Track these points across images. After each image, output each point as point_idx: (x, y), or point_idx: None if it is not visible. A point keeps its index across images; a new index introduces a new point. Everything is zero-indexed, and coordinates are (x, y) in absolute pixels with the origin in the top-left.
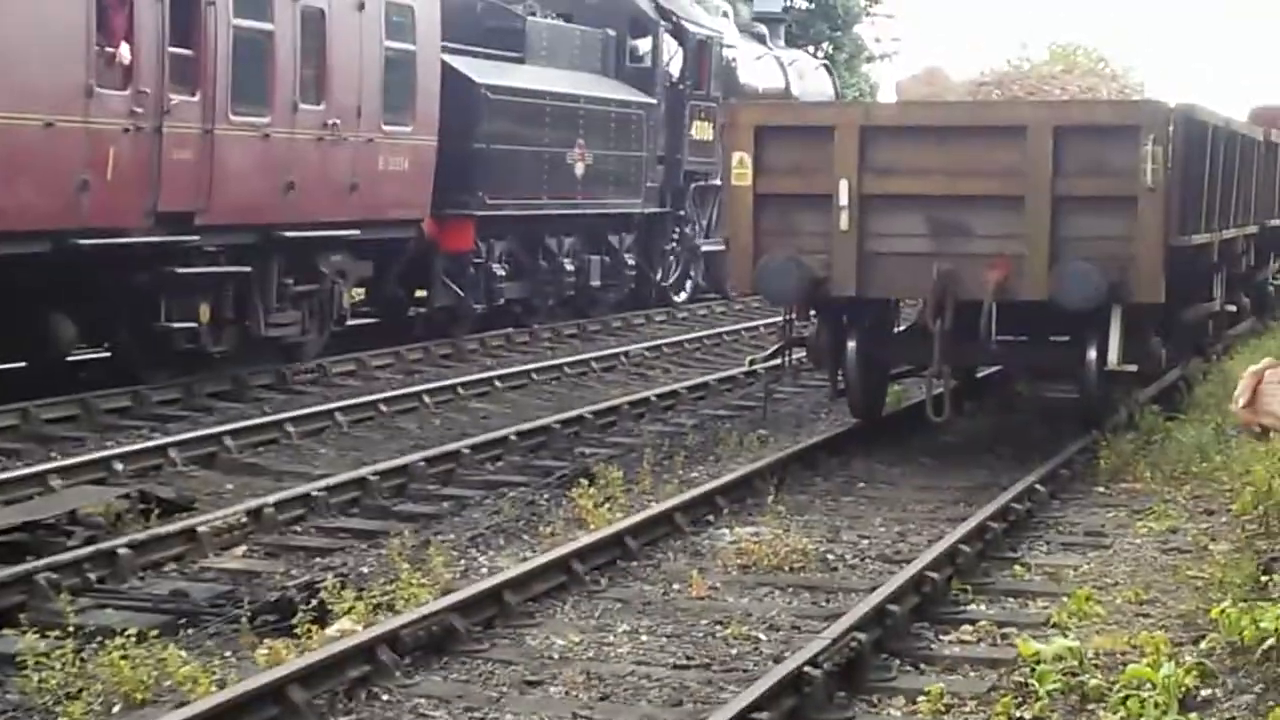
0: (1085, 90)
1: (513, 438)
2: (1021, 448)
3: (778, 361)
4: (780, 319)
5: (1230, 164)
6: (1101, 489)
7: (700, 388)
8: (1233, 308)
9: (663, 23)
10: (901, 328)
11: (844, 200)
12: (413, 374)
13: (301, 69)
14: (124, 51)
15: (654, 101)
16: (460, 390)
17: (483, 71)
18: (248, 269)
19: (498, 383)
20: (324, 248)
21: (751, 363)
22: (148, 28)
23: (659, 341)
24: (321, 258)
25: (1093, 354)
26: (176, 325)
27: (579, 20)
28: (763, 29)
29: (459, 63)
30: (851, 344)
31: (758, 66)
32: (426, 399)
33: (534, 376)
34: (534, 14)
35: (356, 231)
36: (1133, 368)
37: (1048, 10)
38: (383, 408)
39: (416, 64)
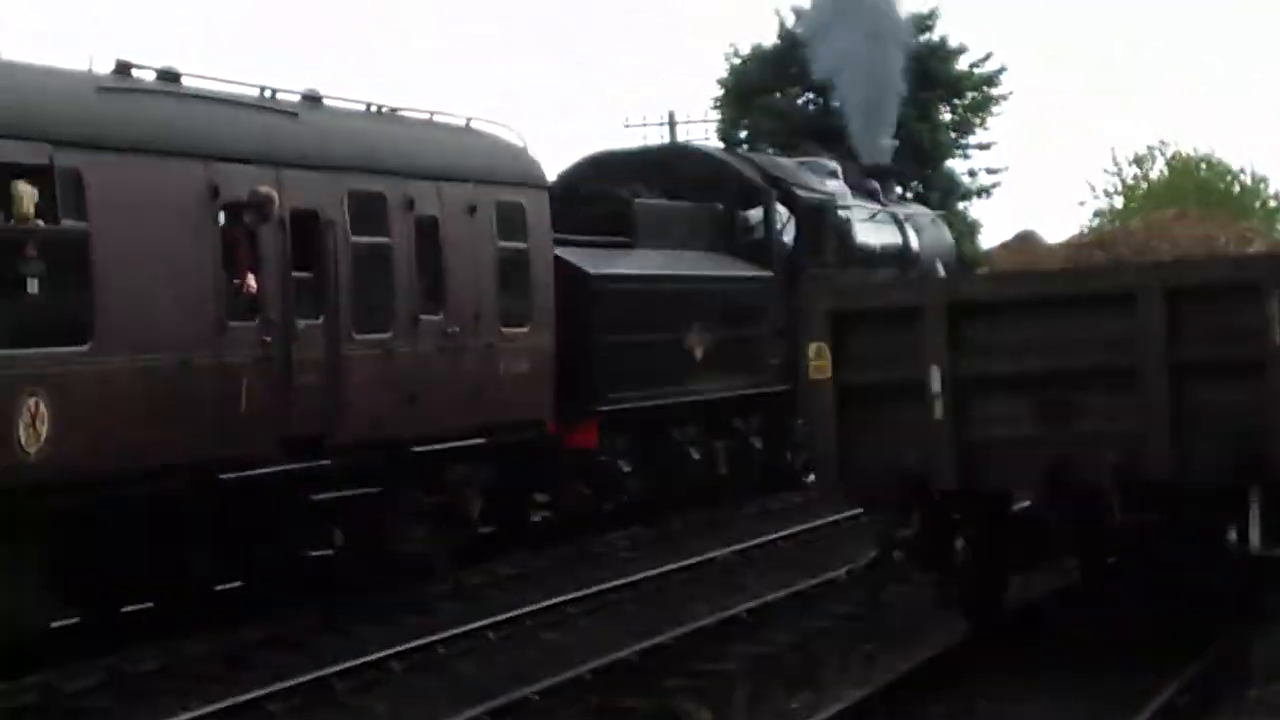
0: (1200, 239)
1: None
2: (1160, 645)
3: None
4: (877, 520)
5: None
6: (1256, 692)
7: (799, 593)
8: None
9: (772, 191)
10: (1016, 514)
11: (937, 387)
12: (541, 583)
13: (419, 280)
14: (251, 282)
15: (770, 274)
16: (569, 609)
17: (594, 261)
18: (377, 489)
19: (611, 594)
20: (450, 458)
21: (850, 573)
22: (272, 255)
23: (794, 529)
24: (448, 469)
25: (1233, 536)
26: (312, 554)
27: (685, 196)
28: (874, 184)
29: (569, 254)
30: (959, 543)
31: (873, 226)
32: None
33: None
34: (639, 195)
35: (480, 439)
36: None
37: (1163, 109)
38: (527, 622)
39: (530, 262)
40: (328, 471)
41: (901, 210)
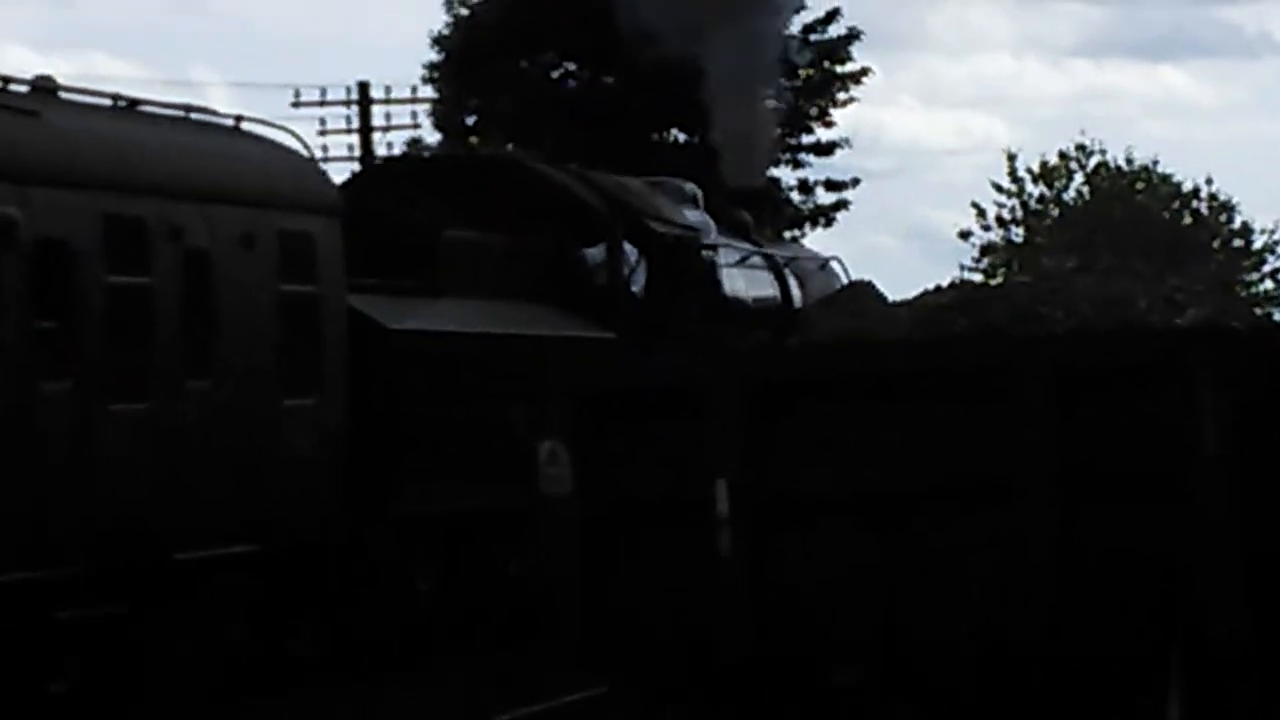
0: (1110, 303)
1: None
2: None
3: None
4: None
5: None
6: None
7: None
8: None
9: (618, 223)
10: (835, 693)
11: (724, 509)
12: None
13: (184, 332)
14: None
15: (612, 336)
16: None
17: (391, 311)
18: (126, 607)
19: None
20: (213, 568)
21: None
22: (12, 297)
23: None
24: (209, 582)
25: (1145, 714)
26: (50, 689)
27: (506, 226)
28: (746, 216)
29: (357, 300)
30: None
31: (744, 272)
32: None
33: None
34: (446, 225)
35: (252, 545)
36: None
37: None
38: None
39: (319, 310)
40: (71, 583)
41: (781, 252)
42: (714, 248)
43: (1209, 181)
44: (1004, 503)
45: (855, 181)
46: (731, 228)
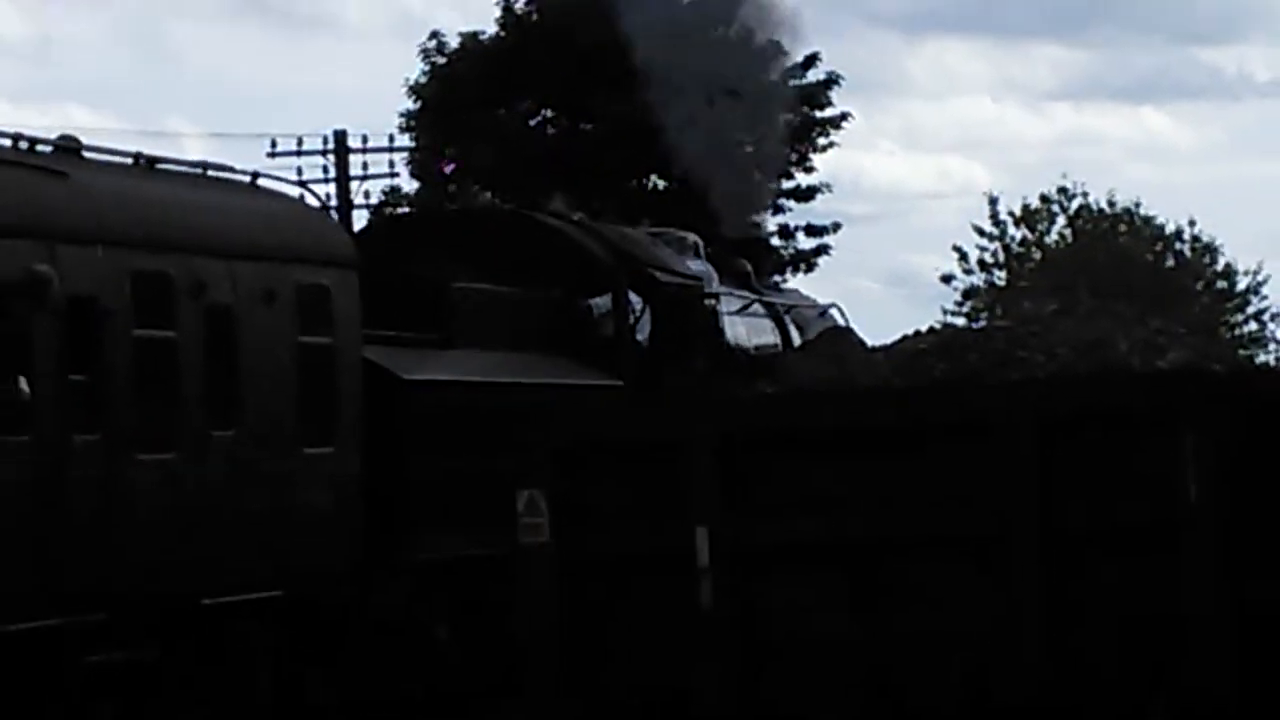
0: (1091, 346)
1: None
2: None
3: None
4: None
5: None
6: None
7: None
8: None
9: (623, 272)
10: None
11: (705, 559)
12: None
13: (208, 385)
14: (23, 386)
15: (620, 383)
16: None
17: (404, 362)
18: (155, 654)
19: None
20: (237, 617)
21: None
22: (46, 352)
23: None
24: (232, 631)
25: None
26: None
27: (515, 278)
28: (745, 265)
29: (371, 352)
30: None
31: (746, 321)
32: None
33: None
34: (455, 277)
35: (274, 593)
36: None
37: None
38: None
39: (336, 362)
40: (101, 629)
41: (780, 300)
42: (716, 296)
43: (1191, 223)
44: (987, 553)
45: (836, 226)
46: (732, 276)
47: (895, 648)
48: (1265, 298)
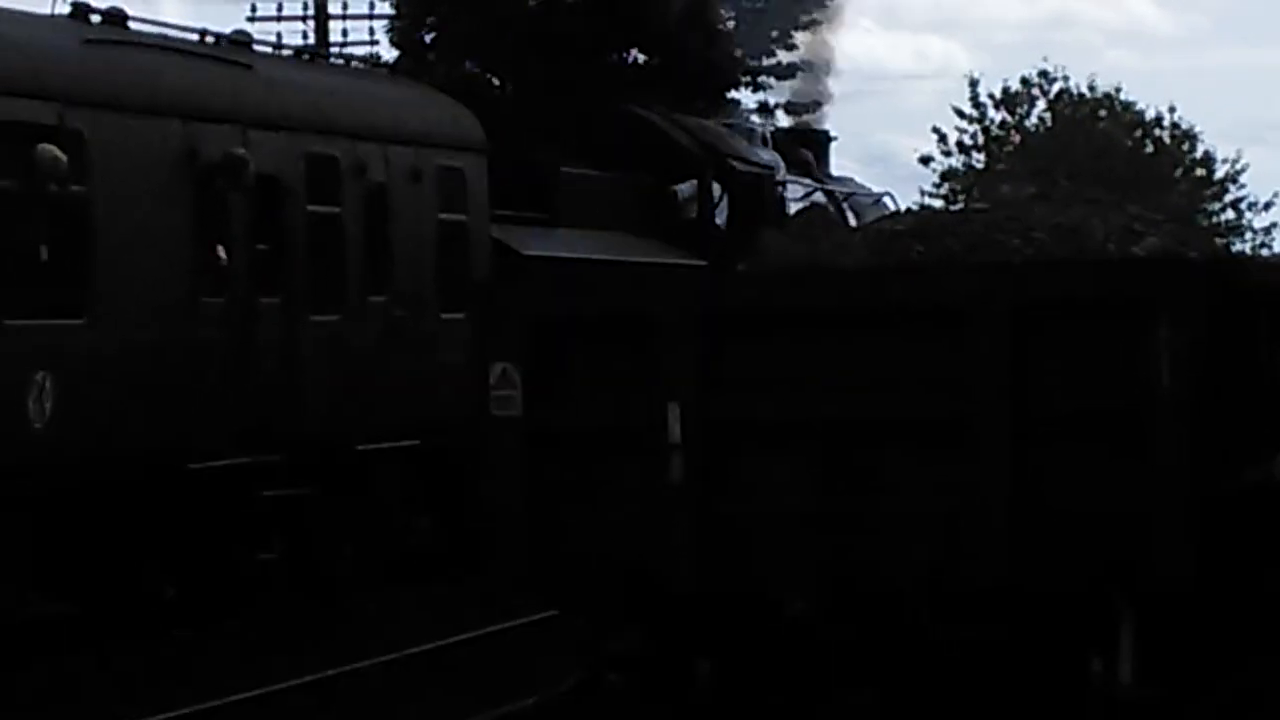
0: (1068, 232)
1: None
2: None
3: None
4: (582, 629)
5: None
6: None
7: None
8: None
9: (708, 163)
10: (785, 625)
11: (676, 435)
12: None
13: (367, 256)
14: (221, 254)
15: (704, 264)
16: None
17: (521, 239)
18: (317, 491)
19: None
20: (385, 460)
21: (538, 703)
22: (239, 225)
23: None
24: (381, 473)
25: (1097, 666)
26: (261, 557)
27: (610, 164)
28: (808, 155)
29: (496, 230)
30: (702, 664)
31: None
32: None
33: None
34: (560, 161)
35: (415, 441)
36: (1158, 689)
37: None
38: None
39: (469, 237)
40: (276, 467)
41: (840, 188)
42: (783, 184)
43: (1171, 110)
44: (958, 437)
45: (816, 105)
46: (796, 165)
47: (862, 528)
48: (1243, 186)
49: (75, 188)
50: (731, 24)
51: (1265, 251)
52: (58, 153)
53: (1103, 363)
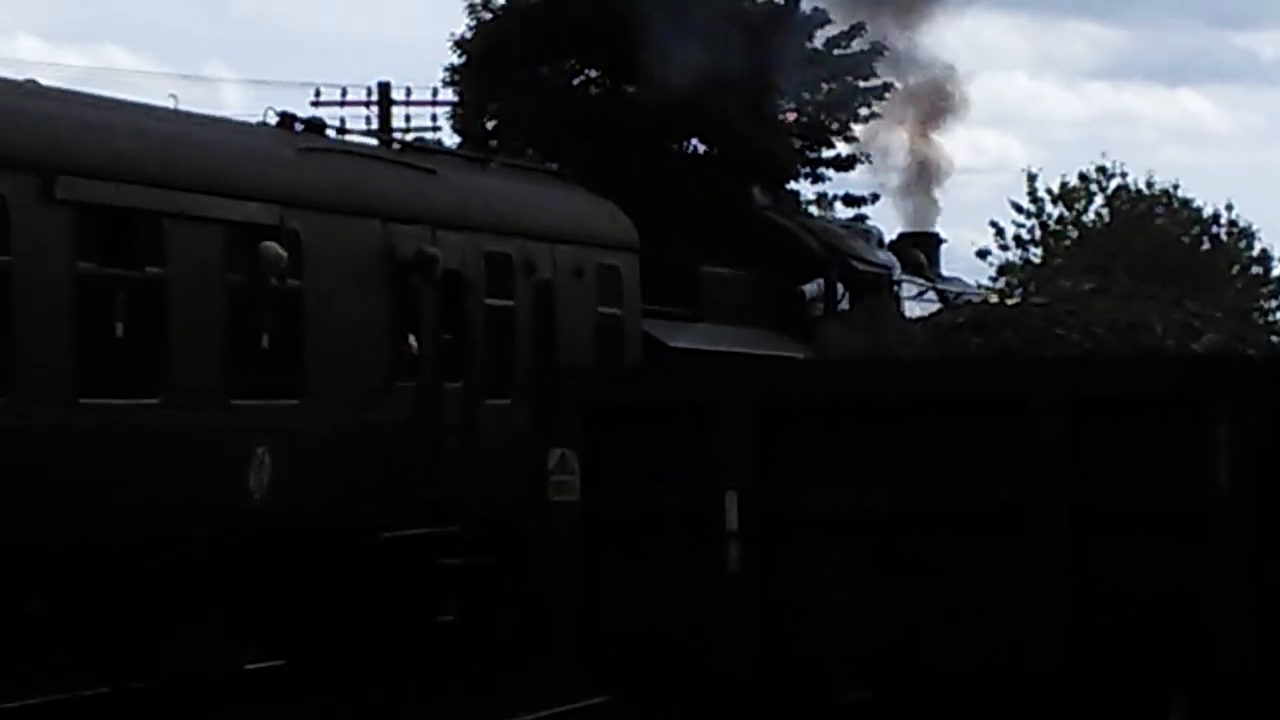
0: (1126, 327)
1: None
2: None
3: None
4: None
5: None
6: None
7: None
8: None
9: (833, 262)
10: (839, 711)
11: (734, 522)
12: None
13: (534, 344)
14: (413, 342)
15: None
16: None
17: (668, 332)
18: (490, 560)
19: None
20: None
21: None
22: (429, 315)
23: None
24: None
25: None
26: (439, 620)
27: (741, 263)
28: (920, 255)
29: (646, 324)
30: None
31: (921, 306)
32: None
33: None
34: (702, 264)
35: None
36: None
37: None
38: None
39: (624, 329)
40: (455, 538)
41: (950, 288)
42: (899, 283)
43: (1229, 207)
44: (1015, 529)
45: (875, 197)
46: (910, 266)
47: (917, 618)
48: None
49: (292, 282)
50: (791, 116)
51: None
52: (280, 250)
53: (1161, 458)
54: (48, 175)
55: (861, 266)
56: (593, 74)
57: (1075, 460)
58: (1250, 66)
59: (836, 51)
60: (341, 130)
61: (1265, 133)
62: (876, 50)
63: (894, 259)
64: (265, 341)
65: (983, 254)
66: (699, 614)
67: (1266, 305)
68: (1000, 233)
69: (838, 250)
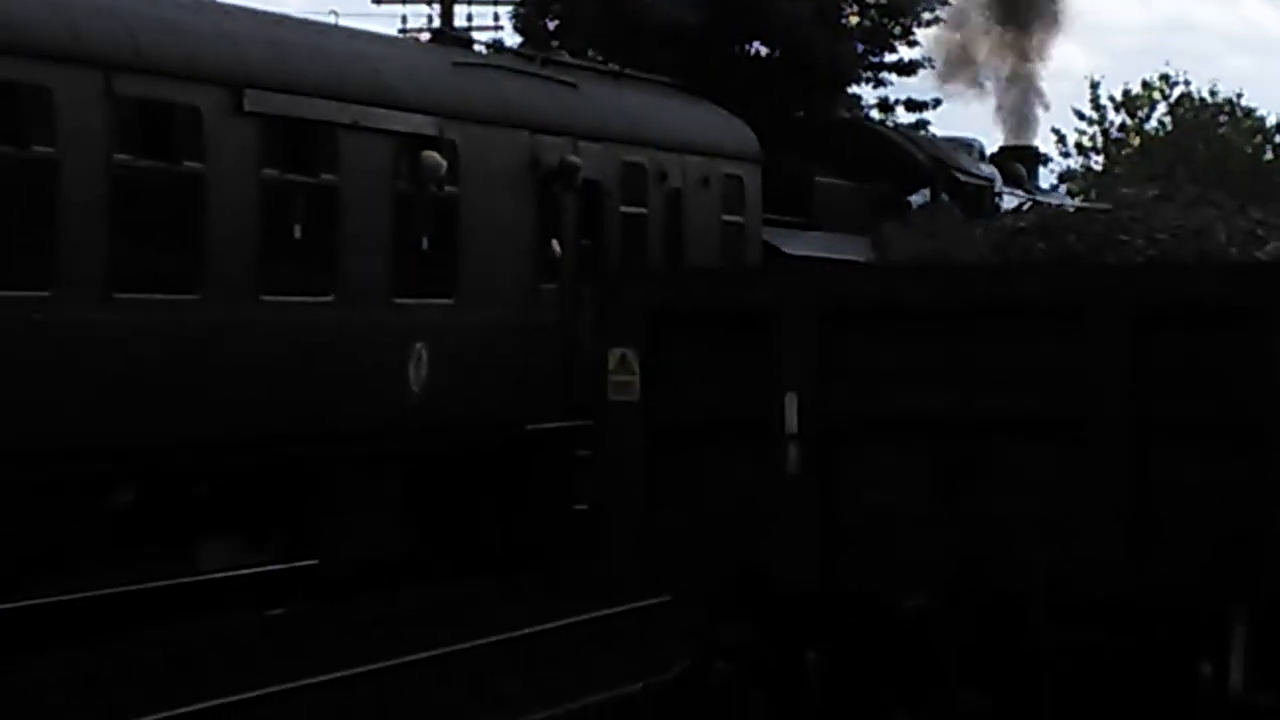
0: (1191, 234)
1: None
2: None
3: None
4: (694, 619)
5: None
6: None
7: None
8: None
9: (938, 174)
10: (898, 622)
11: (794, 425)
12: None
13: (666, 250)
14: (556, 247)
15: None
16: None
17: (784, 239)
18: None
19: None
20: None
21: (650, 689)
22: (569, 222)
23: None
24: None
25: (1207, 671)
26: (577, 508)
27: (850, 173)
28: (1021, 169)
29: (764, 231)
30: (812, 656)
31: None
32: None
33: None
34: (815, 171)
35: None
36: (1275, 695)
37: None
38: None
39: (746, 236)
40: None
41: (1049, 199)
42: (1000, 194)
43: None
44: (1076, 438)
45: (936, 102)
46: (1010, 179)
47: (977, 527)
48: None
49: (449, 189)
50: (855, 19)
51: None
52: (440, 159)
53: (1224, 367)
54: (237, 89)
55: (964, 178)
56: None
57: (1137, 368)
58: None
59: None
60: (402, 29)
61: None
62: None
63: (995, 171)
64: (425, 245)
65: (1044, 160)
66: (758, 517)
67: None
68: (1062, 139)
69: (943, 162)
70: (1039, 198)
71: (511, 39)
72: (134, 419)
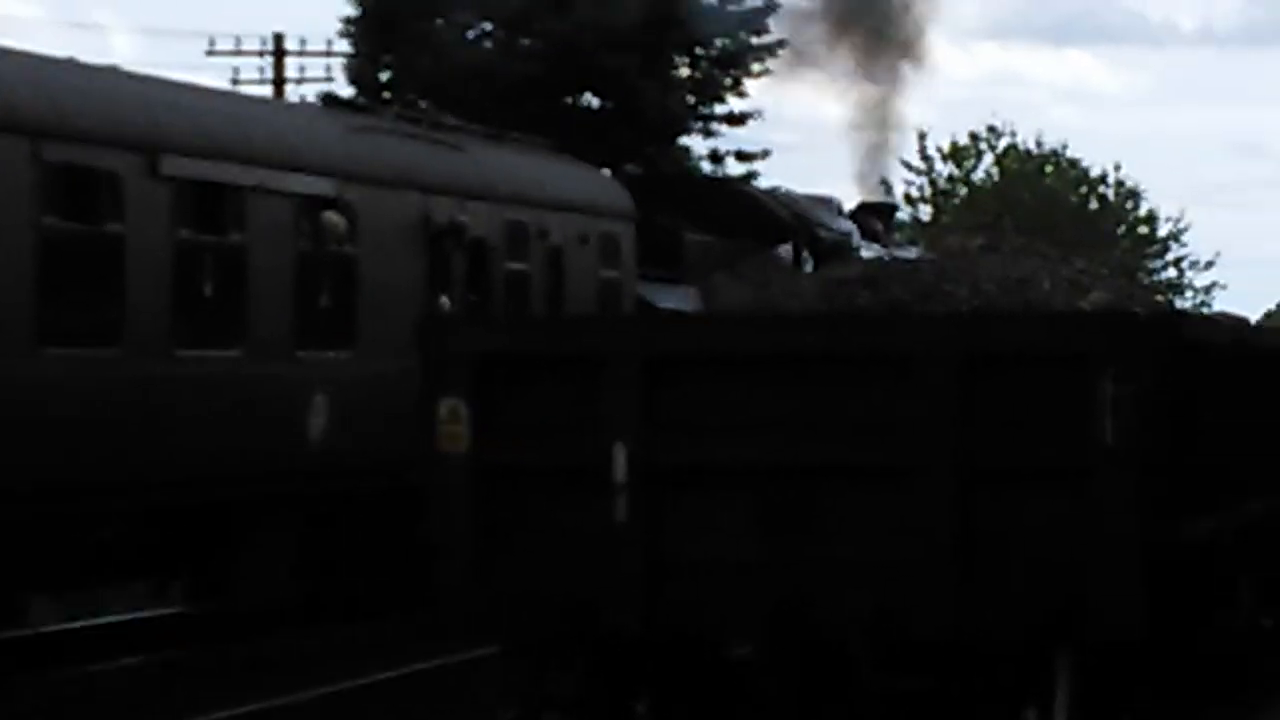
0: (1018, 282)
1: None
2: None
3: None
4: (521, 667)
5: (1252, 403)
6: None
7: None
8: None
9: (800, 230)
10: (726, 668)
11: (621, 475)
12: None
13: (546, 305)
14: (445, 301)
15: None
16: None
17: (656, 294)
18: None
19: None
20: None
21: None
22: (457, 278)
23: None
24: None
25: (1032, 717)
26: None
27: (717, 230)
28: (878, 224)
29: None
30: (641, 708)
31: None
32: None
33: None
34: (686, 231)
35: None
36: None
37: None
38: None
39: (621, 291)
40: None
41: (904, 254)
42: (858, 249)
43: (1116, 168)
44: (902, 484)
45: (766, 153)
46: (868, 233)
47: (804, 574)
48: (1185, 245)
49: (348, 247)
50: (685, 71)
51: (1205, 310)
52: (340, 218)
53: (1049, 414)
54: (154, 153)
55: (824, 233)
56: (487, 27)
57: (963, 415)
58: (1139, 27)
59: (731, 8)
60: (234, 81)
61: (1153, 93)
62: (770, 7)
63: (854, 226)
64: (325, 300)
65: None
66: (587, 566)
67: (1152, 264)
68: (889, 190)
69: (804, 219)
70: (896, 252)
71: (345, 90)
72: (55, 465)
